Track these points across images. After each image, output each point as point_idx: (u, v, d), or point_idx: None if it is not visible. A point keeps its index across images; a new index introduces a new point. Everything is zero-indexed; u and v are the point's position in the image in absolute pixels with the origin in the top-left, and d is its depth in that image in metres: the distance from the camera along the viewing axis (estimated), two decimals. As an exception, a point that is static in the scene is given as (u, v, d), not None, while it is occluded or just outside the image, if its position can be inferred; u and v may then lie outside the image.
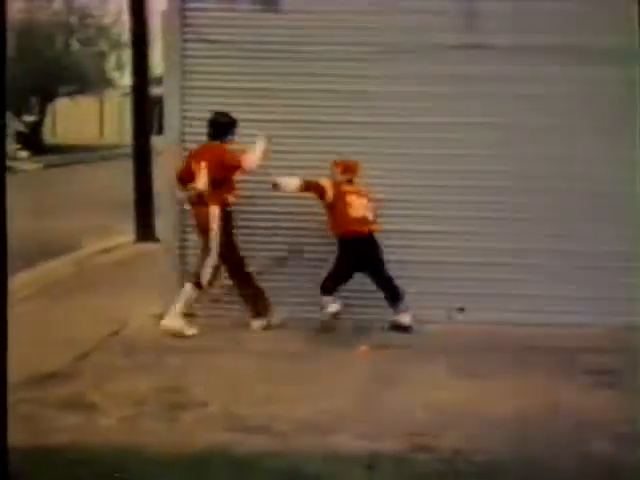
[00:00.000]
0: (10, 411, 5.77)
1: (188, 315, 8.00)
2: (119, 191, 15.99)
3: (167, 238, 8.70)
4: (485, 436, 5.45)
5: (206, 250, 7.96)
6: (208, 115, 8.25)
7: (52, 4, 43.37)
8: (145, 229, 13.98)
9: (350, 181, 8.09)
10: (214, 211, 7.90)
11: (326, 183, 8.03)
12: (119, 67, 45.57)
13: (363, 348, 7.47)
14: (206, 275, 7.92)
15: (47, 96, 43.56)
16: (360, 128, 8.44)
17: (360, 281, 8.10)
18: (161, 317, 8.08)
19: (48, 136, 44.29)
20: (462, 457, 5.11)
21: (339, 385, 6.53)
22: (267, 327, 8.08)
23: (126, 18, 15.37)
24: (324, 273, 8.01)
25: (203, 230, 7.99)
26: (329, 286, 7.87)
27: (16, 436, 5.28)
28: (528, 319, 8.21)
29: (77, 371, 6.76)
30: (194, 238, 8.40)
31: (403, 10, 8.39)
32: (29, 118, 42.26)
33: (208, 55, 8.55)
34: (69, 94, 44.69)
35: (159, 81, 16.02)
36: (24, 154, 38.02)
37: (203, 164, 7.98)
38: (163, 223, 8.96)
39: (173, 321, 7.89)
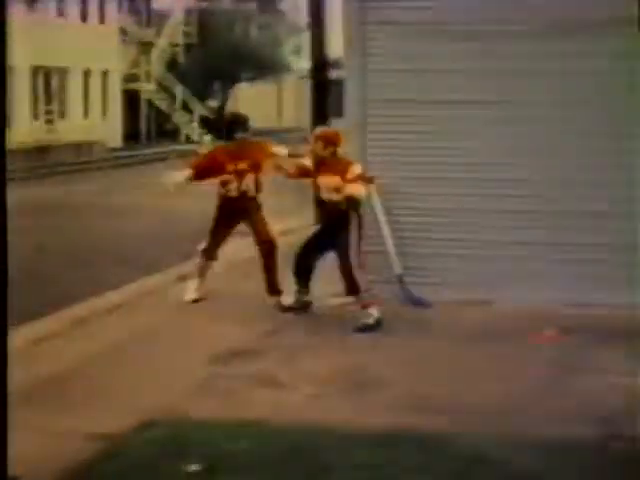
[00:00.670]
0: (205, 384, 6.05)
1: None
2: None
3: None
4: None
5: None
6: (389, 97, 8.31)
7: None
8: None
9: (334, 153, 7.81)
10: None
11: (308, 163, 7.94)
12: (296, 52, 46.32)
13: (548, 332, 7.32)
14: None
15: (229, 82, 44.81)
16: (539, 106, 8.26)
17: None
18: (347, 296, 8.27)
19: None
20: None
21: (522, 368, 6.44)
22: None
23: (303, 3, 15.59)
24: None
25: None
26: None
27: (211, 409, 5.55)
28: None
29: (265, 348, 6.97)
30: (371, 219, 8.48)
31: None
32: (213, 103, 43.62)
33: (388, 37, 8.56)
34: (249, 79, 45.84)
35: (336, 64, 16.24)
36: (208, 138, 39.37)
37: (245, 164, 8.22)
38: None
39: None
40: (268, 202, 8.80)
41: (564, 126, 8.26)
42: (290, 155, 8.60)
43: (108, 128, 36.08)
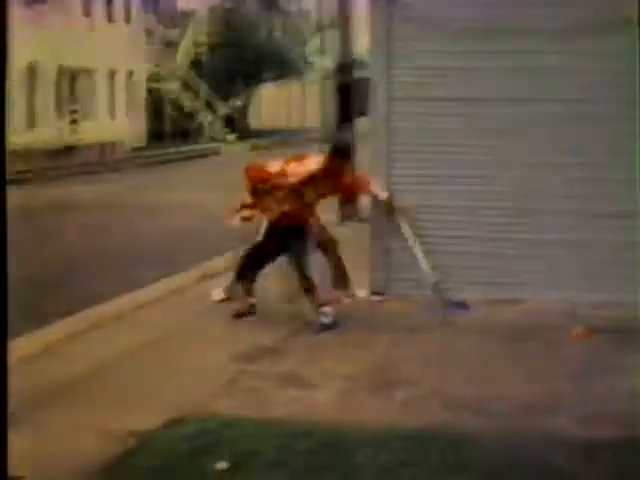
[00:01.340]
0: (234, 383, 6.07)
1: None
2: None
3: (375, 217, 8.79)
4: None
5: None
6: (414, 95, 8.32)
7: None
8: (348, 209, 14.21)
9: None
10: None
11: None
12: (320, 51, 46.33)
13: (577, 330, 7.28)
14: None
15: (252, 81, 44.90)
16: (567, 104, 8.22)
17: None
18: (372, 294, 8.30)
19: (254, 119, 45.68)
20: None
21: (551, 367, 6.41)
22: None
23: (327, 2, 15.61)
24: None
25: None
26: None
27: (238, 407, 5.56)
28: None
29: (290, 347, 6.98)
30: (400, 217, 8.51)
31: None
32: (236, 103, 43.73)
33: (414, 35, 8.54)
34: (273, 79, 45.90)
35: (361, 63, 16.23)
36: (232, 137, 39.46)
37: None
38: (372, 203, 9.05)
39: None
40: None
41: (589, 124, 8.21)
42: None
43: (132, 128, 36.24)
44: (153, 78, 39.61)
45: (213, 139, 39.85)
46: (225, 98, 42.30)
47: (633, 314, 7.52)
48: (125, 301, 8.71)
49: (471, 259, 8.41)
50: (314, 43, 46.21)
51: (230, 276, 8.47)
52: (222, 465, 4.71)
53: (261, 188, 7.80)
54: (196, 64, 42.20)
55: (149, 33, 39.08)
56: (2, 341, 4.18)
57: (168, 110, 40.25)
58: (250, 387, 6.02)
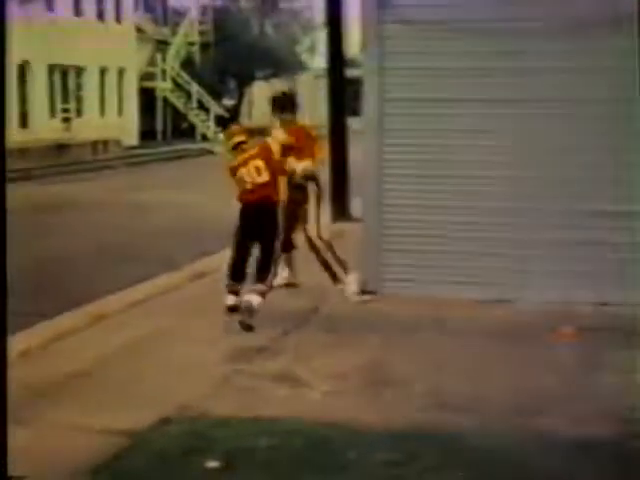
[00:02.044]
0: (225, 382, 6.08)
1: None
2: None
3: (368, 217, 8.81)
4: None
5: None
6: (407, 95, 8.35)
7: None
8: (341, 209, 14.24)
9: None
10: None
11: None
12: (311, 50, 46.39)
13: (565, 330, 7.32)
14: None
15: (245, 80, 44.93)
16: (560, 105, 8.25)
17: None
18: (360, 294, 8.31)
19: (246, 119, 45.68)
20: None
21: (542, 366, 6.44)
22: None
23: (319, 1, 15.62)
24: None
25: None
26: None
27: (230, 406, 5.58)
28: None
29: (282, 346, 6.99)
30: (393, 217, 8.54)
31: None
32: (228, 102, 43.74)
33: (406, 36, 8.56)
34: (265, 78, 45.93)
35: (352, 63, 16.26)
36: (223, 136, 39.42)
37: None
38: (364, 202, 9.08)
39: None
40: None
41: (583, 124, 8.24)
42: None
43: (124, 126, 36.20)
44: (145, 77, 39.57)
45: (205, 138, 39.84)
46: (217, 97, 42.29)
47: (624, 312, 7.57)
48: (116, 299, 8.72)
49: (461, 259, 8.44)
50: (306, 42, 46.27)
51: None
52: (213, 464, 4.73)
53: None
54: (188, 63, 42.19)
55: (141, 31, 39.04)
56: (2, 340, 4.19)
57: (160, 109, 40.22)
58: (241, 386, 6.03)
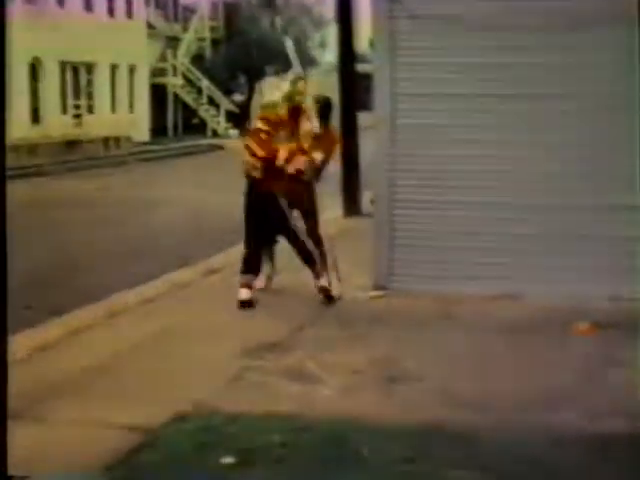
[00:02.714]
0: (239, 378, 6.11)
1: None
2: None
3: (378, 212, 8.82)
4: None
5: None
6: (418, 91, 8.36)
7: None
8: (352, 204, 14.26)
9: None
10: None
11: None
12: (322, 45, 46.34)
13: (582, 325, 7.30)
14: None
15: (254, 76, 44.91)
16: (569, 100, 8.23)
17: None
18: (374, 289, 8.33)
19: (256, 114, 45.59)
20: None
21: (554, 362, 6.44)
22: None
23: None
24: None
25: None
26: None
27: (244, 402, 5.60)
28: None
29: (295, 342, 7.02)
30: (404, 213, 8.54)
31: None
32: (238, 97, 43.75)
33: (417, 30, 8.56)
34: (275, 73, 45.88)
35: (363, 58, 16.20)
36: (234, 132, 39.48)
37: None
38: (375, 197, 9.09)
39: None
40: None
41: (599, 118, 8.20)
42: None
43: (136, 122, 36.27)
44: (156, 73, 39.61)
45: (215, 134, 39.87)
46: (227, 93, 42.31)
47: (637, 307, 7.55)
48: (131, 295, 8.75)
49: (474, 254, 8.43)
50: (317, 37, 46.23)
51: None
52: (228, 460, 4.75)
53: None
54: (198, 59, 42.21)
55: (151, 28, 39.08)
56: (2, 340, 4.20)
57: (171, 105, 40.26)
58: (255, 382, 6.05)
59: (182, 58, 41.08)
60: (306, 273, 8.49)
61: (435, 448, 4.88)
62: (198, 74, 41.19)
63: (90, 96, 34.41)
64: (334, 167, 14.17)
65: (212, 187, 19.15)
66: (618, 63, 8.06)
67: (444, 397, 5.71)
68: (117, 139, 33.13)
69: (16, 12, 28.73)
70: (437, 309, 7.94)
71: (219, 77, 41.75)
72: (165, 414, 5.37)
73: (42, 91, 31.10)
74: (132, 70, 37.20)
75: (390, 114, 8.61)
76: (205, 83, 41.16)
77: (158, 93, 39.17)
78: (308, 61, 46.26)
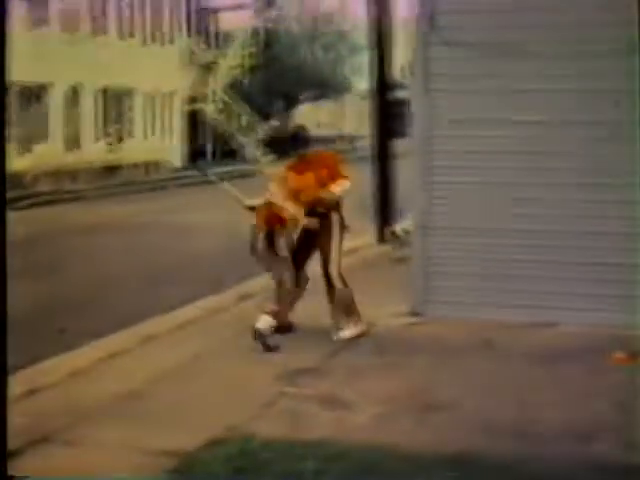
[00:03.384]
0: (273, 403, 6.09)
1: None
2: (356, 192, 16.33)
3: (415, 239, 8.81)
4: None
5: None
6: (455, 117, 8.35)
7: (295, 13, 44.91)
8: (386, 230, 14.23)
9: None
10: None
11: None
12: (357, 71, 46.52)
13: (618, 354, 7.22)
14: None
15: (291, 101, 45.16)
16: (606, 126, 8.18)
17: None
18: (409, 316, 8.30)
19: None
20: None
21: (593, 391, 6.36)
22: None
23: (365, 23, 15.70)
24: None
25: None
26: None
27: (278, 428, 5.59)
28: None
29: (329, 368, 6.99)
30: (440, 240, 8.52)
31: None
32: (275, 123, 43.96)
33: (453, 57, 8.57)
34: (311, 99, 46.12)
35: (399, 85, 16.25)
36: (270, 157, 39.67)
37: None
38: (412, 225, 9.08)
39: None
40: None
41: (629, 146, 8.14)
42: None
43: (173, 148, 36.57)
44: (192, 99, 39.96)
45: (252, 160, 40.09)
46: (264, 118, 42.57)
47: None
48: (165, 320, 8.79)
49: (511, 281, 8.38)
50: (352, 63, 46.40)
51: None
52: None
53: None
54: (236, 85, 42.53)
55: (190, 54, 39.48)
56: (2, 341, 4.22)
57: (208, 130, 40.57)
58: (289, 408, 6.04)
59: (220, 84, 41.42)
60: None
61: (469, 477, 4.83)
62: (235, 100, 41.50)
63: (128, 121, 34.77)
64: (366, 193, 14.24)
65: (247, 212, 19.17)
66: None
67: (480, 425, 5.66)
68: (154, 164, 33.42)
69: (55, 39, 29.20)
70: (473, 336, 7.88)
71: (256, 103, 42.02)
72: (199, 439, 5.37)
73: (80, 117, 31.47)
74: (170, 95, 37.56)
75: (426, 141, 8.61)
76: (242, 109, 41.44)
77: (195, 119, 39.48)
78: (345, 87, 46.48)
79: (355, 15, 43.70)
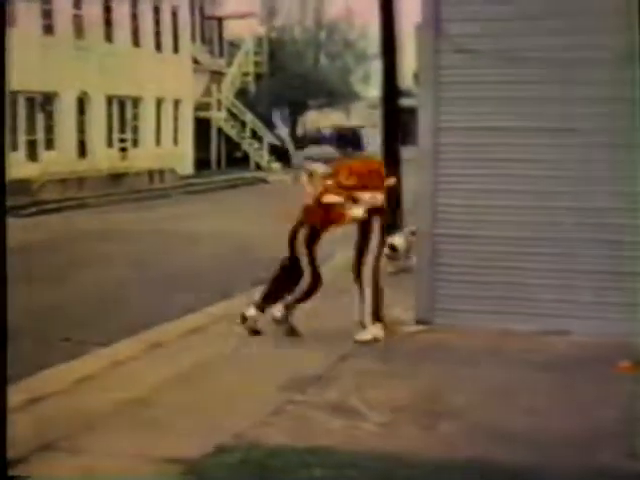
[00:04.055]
0: (280, 410, 6.07)
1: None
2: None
3: (421, 247, 8.79)
4: None
5: None
6: (462, 125, 8.32)
7: (302, 21, 44.99)
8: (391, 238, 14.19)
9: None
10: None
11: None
12: (365, 80, 46.60)
13: (624, 363, 7.18)
14: None
15: (297, 110, 45.21)
16: (612, 134, 8.14)
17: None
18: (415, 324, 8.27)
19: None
20: None
21: (598, 399, 6.33)
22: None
23: (372, 31, 15.69)
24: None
25: None
26: None
27: (285, 436, 5.56)
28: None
29: (336, 375, 6.97)
30: (446, 248, 8.50)
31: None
32: (281, 131, 44.02)
33: (461, 65, 8.55)
34: (318, 107, 46.19)
35: (407, 93, 16.25)
36: (277, 165, 39.74)
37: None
38: (417, 232, 9.05)
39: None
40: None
41: (633, 154, 8.10)
42: None
43: (180, 156, 36.63)
44: (200, 107, 40.04)
45: (259, 167, 40.13)
46: (270, 126, 42.61)
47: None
48: (172, 327, 8.78)
49: (519, 290, 8.34)
50: (360, 72, 46.47)
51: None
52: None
53: None
54: (242, 93, 42.61)
55: (197, 62, 39.58)
56: (2, 341, 4.21)
57: (215, 139, 40.64)
58: (296, 415, 6.01)
59: (226, 92, 41.51)
60: (345, 302, 8.47)
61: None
62: (242, 108, 41.56)
63: (136, 129, 34.85)
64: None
65: (254, 220, 19.22)
66: None
67: (488, 433, 5.62)
68: (161, 172, 33.46)
69: (65, 46, 29.28)
70: (480, 344, 7.85)
71: (262, 111, 42.08)
72: (205, 447, 5.35)
73: (89, 124, 31.54)
74: (177, 104, 37.65)
75: (433, 148, 8.59)
76: (249, 117, 41.51)
77: (202, 127, 39.56)
78: (352, 95, 46.53)
79: (362, 23, 43.78)
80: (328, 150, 36.35)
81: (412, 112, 9.21)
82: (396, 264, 11.38)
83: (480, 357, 7.48)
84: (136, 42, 34.39)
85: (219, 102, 41.12)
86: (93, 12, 30.94)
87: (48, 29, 28.82)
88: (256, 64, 43.45)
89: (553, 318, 8.20)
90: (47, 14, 28.69)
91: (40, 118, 28.83)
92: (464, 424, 5.82)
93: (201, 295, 10.60)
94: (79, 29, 30.53)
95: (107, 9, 32.04)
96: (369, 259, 8.15)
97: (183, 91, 37.60)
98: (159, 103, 36.23)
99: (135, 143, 34.52)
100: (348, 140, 40.99)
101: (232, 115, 41.57)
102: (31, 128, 28.29)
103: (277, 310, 8.31)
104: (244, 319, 8.34)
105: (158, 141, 36.23)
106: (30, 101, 28.09)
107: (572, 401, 6.33)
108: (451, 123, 8.49)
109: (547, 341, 7.94)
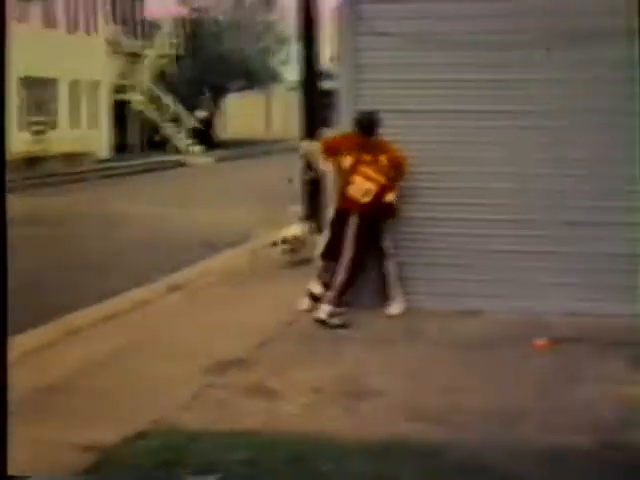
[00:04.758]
0: (199, 396, 6.03)
1: None
2: (285, 184, 16.29)
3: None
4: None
5: None
6: (381, 108, 8.35)
7: (222, 3, 44.61)
8: (315, 221, 14.20)
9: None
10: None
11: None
12: (285, 62, 46.47)
13: (540, 340, 7.34)
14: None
15: (218, 92, 44.88)
16: (528, 117, 8.27)
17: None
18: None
19: (219, 131, 45.61)
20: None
21: (518, 377, 6.45)
22: None
23: (292, 14, 15.62)
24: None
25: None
26: None
27: (206, 420, 5.53)
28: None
29: (258, 358, 6.96)
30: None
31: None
32: (202, 114, 43.65)
33: (380, 48, 8.58)
34: (238, 90, 45.91)
35: (326, 75, 16.28)
36: (197, 148, 39.40)
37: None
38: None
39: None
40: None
41: (564, 135, 8.23)
42: None
43: (97, 139, 36.05)
44: (118, 89, 39.43)
45: (178, 151, 39.75)
46: (190, 109, 42.22)
47: (596, 323, 7.61)
48: (89, 313, 8.64)
49: (437, 270, 8.45)
50: (280, 54, 46.31)
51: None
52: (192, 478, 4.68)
53: None
54: (162, 75, 42.09)
55: (114, 44, 38.93)
56: (2, 341, 4.15)
57: (133, 122, 40.09)
58: (217, 399, 5.98)
59: (145, 75, 40.94)
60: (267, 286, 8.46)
61: (399, 464, 4.85)
62: (161, 90, 41.07)
63: (51, 112, 34.15)
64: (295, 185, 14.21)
65: (174, 203, 19.04)
66: (614, 77, 8.05)
67: (408, 412, 5.69)
68: (79, 155, 32.88)
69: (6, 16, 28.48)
70: (399, 325, 7.93)
71: (183, 93, 41.64)
72: (123, 432, 5.28)
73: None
74: (94, 86, 37.01)
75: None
76: (168, 99, 41.05)
77: (121, 110, 38.99)
78: (273, 78, 46.37)
79: (282, 5, 43.63)
80: None
81: (332, 95, 9.20)
82: (297, 255, 11.30)
83: (397, 337, 7.55)
84: (49, 23, 33.66)
85: (137, 84, 40.56)
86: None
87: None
88: (175, 46, 42.95)
89: (468, 298, 8.32)
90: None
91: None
92: (384, 404, 5.88)
93: (122, 279, 10.45)
94: (-9, 9, 29.75)
95: (20, -12, 31.29)
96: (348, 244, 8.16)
97: (99, 73, 36.97)
98: (75, 85, 35.57)
99: (52, 126, 33.85)
100: None
101: (151, 98, 41.05)
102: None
103: (322, 312, 8.03)
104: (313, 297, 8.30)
105: (74, 124, 35.59)
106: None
107: (489, 379, 6.43)
108: (371, 105, 8.51)
109: (464, 321, 8.05)
